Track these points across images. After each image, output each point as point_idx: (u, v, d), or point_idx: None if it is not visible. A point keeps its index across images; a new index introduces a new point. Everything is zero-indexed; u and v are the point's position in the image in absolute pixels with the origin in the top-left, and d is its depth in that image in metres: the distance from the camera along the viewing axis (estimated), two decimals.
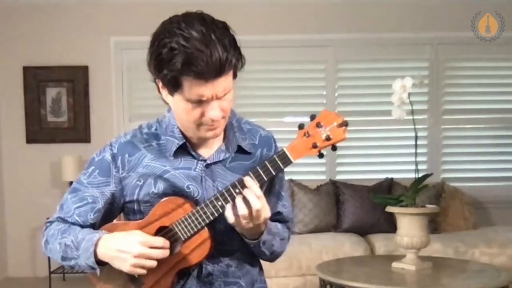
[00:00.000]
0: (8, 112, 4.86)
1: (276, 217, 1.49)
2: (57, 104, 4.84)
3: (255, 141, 1.47)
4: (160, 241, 1.30)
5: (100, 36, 4.79)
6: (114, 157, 1.41)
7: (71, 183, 4.46)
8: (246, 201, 1.28)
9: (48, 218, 1.48)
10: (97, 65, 4.82)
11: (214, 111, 1.29)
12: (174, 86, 1.26)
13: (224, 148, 1.41)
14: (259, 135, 1.48)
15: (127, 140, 1.43)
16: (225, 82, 1.26)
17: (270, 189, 1.47)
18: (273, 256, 1.48)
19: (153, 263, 1.29)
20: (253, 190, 1.27)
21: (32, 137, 4.83)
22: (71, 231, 1.37)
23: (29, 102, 4.82)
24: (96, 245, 1.32)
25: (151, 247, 1.28)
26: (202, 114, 1.29)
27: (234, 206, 1.29)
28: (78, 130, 4.83)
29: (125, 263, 1.29)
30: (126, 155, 1.40)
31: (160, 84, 1.31)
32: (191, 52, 1.20)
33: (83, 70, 4.80)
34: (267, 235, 1.39)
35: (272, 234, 1.41)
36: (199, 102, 1.27)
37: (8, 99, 4.84)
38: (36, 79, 4.80)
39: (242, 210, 1.27)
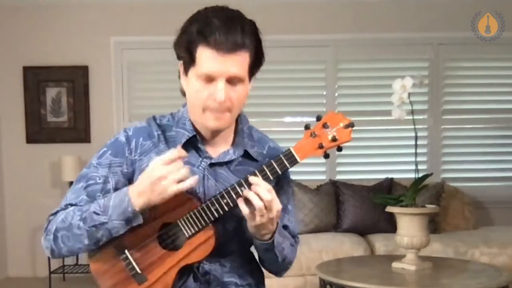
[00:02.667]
0: (8, 112, 4.86)
1: (284, 231, 1.48)
2: (57, 104, 4.84)
3: (263, 151, 1.47)
4: (175, 152, 1.26)
5: (100, 36, 4.79)
6: (128, 139, 1.40)
7: (71, 183, 4.47)
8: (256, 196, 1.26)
9: (51, 213, 1.43)
10: (97, 65, 4.82)
11: (219, 93, 1.28)
12: (189, 57, 1.30)
13: (232, 152, 1.41)
14: (268, 146, 1.48)
15: (142, 126, 1.43)
16: (237, 63, 1.28)
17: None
18: (284, 264, 1.47)
19: (180, 175, 1.24)
20: (261, 185, 1.27)
21: (32, 137, 4.84)
22: (88, 205, 1.33)
23: (29, 102, 4.82)
24: (128, 194, 1.28)
25: (172, 161, 1.25)
26: (209, 96, 1.29)
27: (247, 201, 1.27)
28: (78, 130, 4.83)
29: (159, 189, 1.24)
30: (141, 139, 1.40)
31: (180, 64, 1.34)
32: (209, 21, 1.26)
33: (83, 70, 4.80)
34: (279, 236, 1.38)
35: (282, 236, 1.42)
36: (209, 80, 1.28)
37: (8, 99, 4.84)
38: (36, 79, 4.80)
39: (257, 202, 1.25)
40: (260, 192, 1.26)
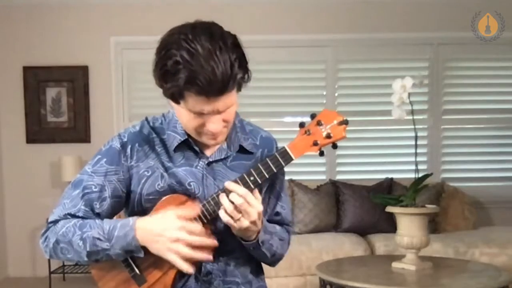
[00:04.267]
0: (8, 112, 4.86)
1: (275, 218, 1.49)
2: (57, 104, 4.84)
3: (256, 142, 1.47)
4: (198, 227, 1.31)
5: (100, 36, 4.79)
6: (124, 145, 1.40)
7: None
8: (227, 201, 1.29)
9: (49, 220, 1.41)
10: (97, 65, 4.82)
11: (214, 125, 1.29)
12: (176, 98, 1.27)
13: (226, 147, 1.42)
14: (260, 136, 1.49)
15: (136, 131, 1.43)
16: (227, 98, 1.26)
17: (271, 189, 1.48)
18: (274, 259, 1.49)
19: (188, 251, 1.29)
20: (236, 191, 1.28)
21: (32, 137, 4.84)
22: (91, 224, 1.34)
23: (29, 102, 4.82)
24: (134, 229, 1.31)
25: (189, 232, 1.29)
26: (203, 125, 1.30)
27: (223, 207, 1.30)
28: (78, 130, 4.83)
29: (162, 247, 1.29)
30: (136, 145, 1.40)
31: (163, 90, 1.31)
32: (194, 69, 1.19)
33: (83, 70, 4.81)
34: (264, 235, 1.39)
35: (269, 233, 1.42)
36: (201, 114, 1.27)
37: (8, 99, 4.85)
38: (36, 79, 4.80)
39: (228, 206, 1.28)
40: (232, 197, 1.28)
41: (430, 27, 4.78)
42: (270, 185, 1.45)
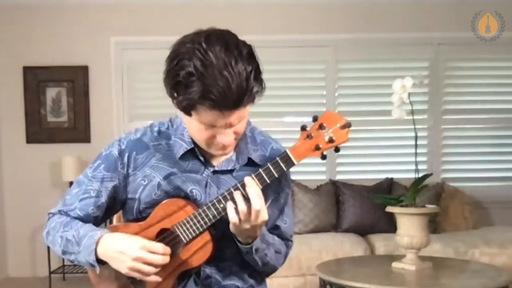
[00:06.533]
0: (8, 112, 4.86)
1: (274, 231, 1.46)
2: (57, 104, 4.84)
3: (266, 153, 1.44)
4: (161, 247, 1.28)
5: (100, 36, 4.79)
6: (121, 153, 1.40)
7: (71, 183, 4.47)
8: (246, 199, 1.27)
9: (50, 210, 1.48)
10: (97, 65, 4.82)
11: (226, 137, 1.27)
12: (188, 110, 1.23)
13: (234, 159, 1.39)
14: (270, 148, 1.46)
15: (137, 138, 1.42)
16: (241, 112, 1.23)
17: (275, 202, 1.45)
18: (266, 268, 1.45)
19: (151, 269, 1.27)
20: (254, 189, 1.26)
21: (32, 137, 4.83)
22: (73, 225, 1.37)
23: (29, 102, 4.81)
24: (97, 243, 1.31)
25: (151, 252, 1.27)
26: (214, 137, 1.28)
27: (235, 204, 1.28)
28: (78, 130, 4.83)
29: (123, 265, 1.28)
30: (134, 153, 1.40)
31: (174, 101, 1.27)
32: (208, 82, 1.15)
33: (83, 70, 4.80)
34: (260, 243, 1.36)
35: (266, 243, 1.39)
36: (212, 126, 1.25)
37: (8, 99, 4.84)
38: (36, 79, 4.80)
39: (241, 206, 1.26)
40: (252, 197, 1.25)
41: (430, 27, 4.78)
42: (275, 198, 1.43)
